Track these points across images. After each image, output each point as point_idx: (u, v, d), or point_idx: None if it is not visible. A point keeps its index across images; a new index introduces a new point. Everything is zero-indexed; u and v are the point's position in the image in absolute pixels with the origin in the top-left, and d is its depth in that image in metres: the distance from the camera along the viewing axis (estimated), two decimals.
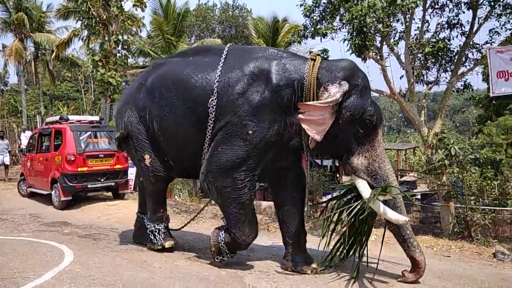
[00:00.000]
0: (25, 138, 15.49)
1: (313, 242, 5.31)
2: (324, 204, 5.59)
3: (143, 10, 14.30)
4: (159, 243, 5.51)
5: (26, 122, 22.87)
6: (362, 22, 7.27)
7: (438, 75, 8.83)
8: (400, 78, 8.95)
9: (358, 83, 4.49)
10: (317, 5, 8.45)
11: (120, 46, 13.96)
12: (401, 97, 8.71)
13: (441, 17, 8.84)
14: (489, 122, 16.06)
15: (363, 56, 8.21)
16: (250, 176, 4.62)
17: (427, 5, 8.66)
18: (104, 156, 9.43)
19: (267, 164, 4.75)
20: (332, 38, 8.56)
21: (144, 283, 4.31)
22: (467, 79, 8.84)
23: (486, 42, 8.44)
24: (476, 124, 20.18)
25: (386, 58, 8.77)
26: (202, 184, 4.90)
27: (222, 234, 4.81)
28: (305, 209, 5.62)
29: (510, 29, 8.21)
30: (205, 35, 25.82)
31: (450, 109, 35.37)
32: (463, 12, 8.63)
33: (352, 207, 4.52)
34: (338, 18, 8.35)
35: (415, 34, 8.78)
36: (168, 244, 5.49)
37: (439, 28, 8.80)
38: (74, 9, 17.58)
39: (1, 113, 26.47)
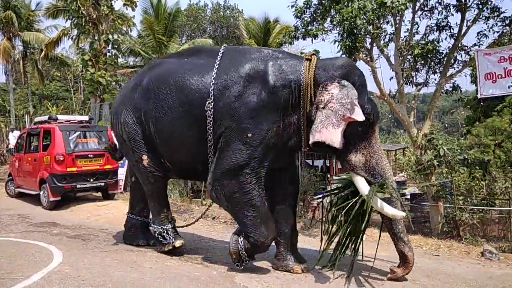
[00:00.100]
0: (13, 138, 15.29)
1: (305, 242, 5.33)
2: (320, 200, 5.61)
3: (133, 10, 14.24)
4: (170, 243, 5.40)
5: (14, 122, 22.60)
6: (352, 23, 7.32)
7: (427, 76, 8.93)
8: (390, 79, 9.04)
9: (355, 81, 4.51)
10: (308, 6, 8.48)
11: (110, 45, 13.88)
12: (391, 98, 8.79)
13: (430, 19, 8.96)
14: (477, 123, 16.29)
15: (353, 57, 8.25)
16: (256, 178, 4.58)
17: (417, 7, 8.76)
18: (93, 156, 9.35)
19: (270, 165, 4.71)
20: (323, 39, 8.60)
21: (134, 284, 4.28)
22: (455, 80, 8.98)
23: (474, 45, 8.56)
24: (465, 125, 20.46)
25: (376, 59, 8.85)
26: (211, 194, 4.84)
27: (241, 241, 4.70)
28: (297, 209, 5.66)
29: (497, 32, 8.35)
30: (196, 35, 25.76)
31: (439, 110, 35.78)
32: (452, 15, 8.75)
33: (351, 203, 4.55)
34: (328, 19, 8.39)
35: (404, 36, 8.88)
36: (178, 243, 5.41)
37: (428, 30, 8.90)
38: (64, 7, 17.44)
39: None
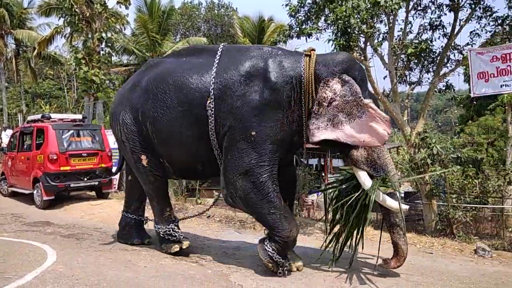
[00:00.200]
0: (6, 137, 15.15)
1: (299, 240, 5.35)
2: (315, 197, 5.65)
3: (127, 8, 14.18)
4: (177, 245, 5.36)
5: (7, 121, 22.39)
6: (346, 23, 7.34)
7: (421, 75, 8.97)
8: (384, 78, 9.06)
9: (355, 76, 4.53)
10: (302, 5, 8.48)
11: (103, 43, 13.81)
12: (385, 97, 8.82)
13: (423, 18, 8.99)
14: (470, 122, 16.43)
15: None
16: (268, 174, 4.55)
17: (410, 7, 8.78)
18: (87, 155, 9.30)
19: (278, 161, 4.69)
20: (317, 39, 8.61)
21: (129, 283, 4.27)
22: (448, 79, 9.03)
23: (467, 44, 8.61)
24: (458, 124, 20.61)
25: (370, 58, 8.88)
26: (226, 199, 4.81)
27: (269, 246, 4.59)
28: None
29: (490, 31, 8.41)
30: (190, 33, 25.71)
31: (432, 109, 35.99)
32: (445, 14, 8.79)
33: (354, 197, 4.57)
34: (323, 18, 8.40)
35: (398, 35, 8.91)
36: (185, 244, 5.39)
37: (421, 30, 8.93)
38: (57, 5, 17.30)
39: None
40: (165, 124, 4.95)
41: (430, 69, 8.86)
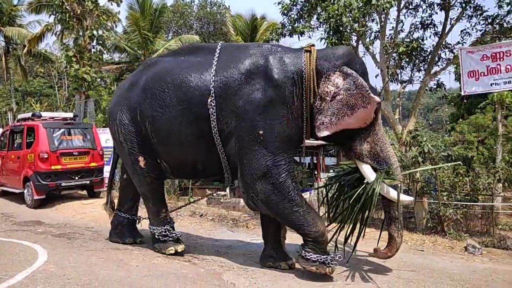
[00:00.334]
0: None
1: (292, 238, 5.36)
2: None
3: (118, 5, 14.10)
4: (171, 247, 5.31)
5: None
6: (338, 21, 7.37)
7: (412, 74, 9.06)
8: (375, 77, 9.12)
9: (356, 69, 4.52)
10: (294, 3, 8.51)
11: (95, 41, 13.73)
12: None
13: (415, 17, 9.07)
14: (461, 120, 16.55)
15: None
16: (286, 172, 4.51)
17: (402, 6, 8.85)
18: (78, 154, 9.23)
19: (293, 157, 4.65)
20: (310, 37, 8.67)
21: (121, 282, 4.25)
22: (439, 78, 9.14)
23: (458, 43, 8.70)
24: (449, 122, 20.77)
25: (362, 57, 8.91)
26: (248, 203, 4.74)
27: (304, 252, 4.50)
28: None
29: (480, 30, 8.50)
30: (182, 31, 25.60)
31: (424, 107, 36.21)
32: (436, 13, 8.87)
33: (358, 190, 4.57)
34: (315, 17, 8.43)
35: (390, 34, 8.97)
36: (180, 248, 5.33)
37: (413, 28, 9.01)
38: (47, 2, 17.13)
39: None
40: (164, 123, 4.89)
41: (421, 68, 8.95)
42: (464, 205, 7.29)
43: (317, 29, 8.53)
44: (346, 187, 4.99)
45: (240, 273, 4.69)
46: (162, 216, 5.42)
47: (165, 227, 5.38)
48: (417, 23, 8.98)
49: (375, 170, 4.55)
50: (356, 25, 7.92)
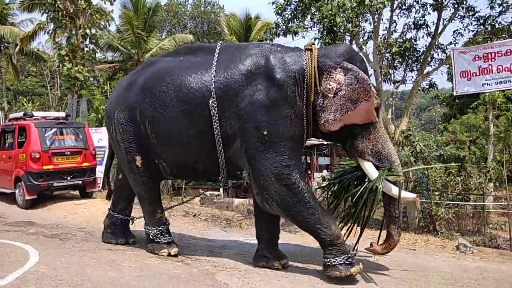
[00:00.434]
0: None
1: (285, 238, 5.37)
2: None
3: (112, 4, 14.05)
4: (165, 249, 5.29)
5: None
6: (332, 21, 7.38)
7: (405, 74, 9.09)
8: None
9: (357, 67, 4.53)
10: (288, 3, 8.50)
11: (88, 40, 13.66)
12: None
13: (408, 17, 9.10)
14: (453, 120, 16.65)
15: None
16: (297, 173, 4.50)
17: (395, 6, 8.88)
18: (70, 154, 9.16)
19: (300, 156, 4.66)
20: (303, 37, 8.65)
21: (113, 283, 4.23)
22: (432, 78, 9.18)
23: (450, 43, 8.75)
24: (441, 122, 20.90)
25: None
26: (263, 204, 4.70)
27: (325, 260, 4.45)
28: None
29: (472, 31, 8.55)
30: (176, 30, 25.52)
31: (416, 107, 36.39)
32: (429, 13, 8.91)
33: (361, 188, 4.59)
34: (309, 17, 8.44)
35: (383, 34, 9.00)
36: (174, 251, 5.30)
37: (406, 29, 9.04)
38: (39, 1, 16.96)
39: None
40: (165, 123, 4.85)
41: (414, 68, 8.99)
42: (455, 205, 7.34)
43: (311, 29, 8.54)
44: (348, 185, 4.99)
45: (233, 273, 4.69)
46: (157, 217, 5.40)
47: (160, 228, 5.36)
48: (410, 23, 9.02)
49: (377, 167, 4.58)
50: (350, 25, 7.94)
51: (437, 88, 9.57)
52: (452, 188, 7.69)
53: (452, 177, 7.83)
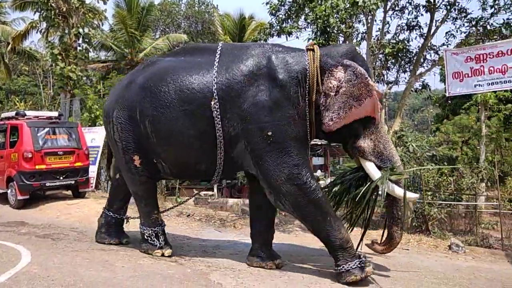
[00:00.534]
0: None
1: (279, 238, 5.38)
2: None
3: (105, 3, 13.95)
4: (159, 250, 5.26)
5: None
6: (325, 22, 7.42)
7: (398, 75, 9.18)
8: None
9: (360, 67, 4.53)
10: (282, 3, 8.53)
11: (80, 39, 13.55)
12: None
13: (401, 19, 9.18)
14: (446, 120, 16.80)
15: None
16: (307, 172, 4.48)
17: (388, 7, 8.95)
18: (63, 153, 9.10)
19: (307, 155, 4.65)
20: (297, 37, 8.69)
21: (106, 283, 4.21)
22: (425, 79, 9.26)
23: (443, 44, 8.83)
24: (434, 123, 21.06)
25: None
26: (276, 203, 4.67)
27: (338, 267, 4.41)
28: None
29: (464, 32, 8.65)
30: (170, 30, 25.43)
31: (409, 108, 36.63)
32: (422, 15, 9.00)
33: (364, 189, 4.58)
34: (303, 17, 8.47)
35: (376, 35, 9.06)
36: (168, 252, 5.27)
37: (399, 30, 9.12)
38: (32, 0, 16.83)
39: None
40: (165, 122, 4.81)
41: (407, 69, 9.06)
42: (448, 205, 7.40)
43: (305, 29, 8.57)
44: (349, 186, 4.97)
45: (227, 273, 4.69)
46: (153, 217, 5.37)
47: (156, 229, 5.34)
48: (403, 24, 9.09)
49: (378, 168, 4.57)
50: (343, 26, 7.98)
51: (429, 89, 9.64)
52: (444, 188, 7.74)
53: (445, 177, 7.89)
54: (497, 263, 5.64)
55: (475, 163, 9.96)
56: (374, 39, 8.91)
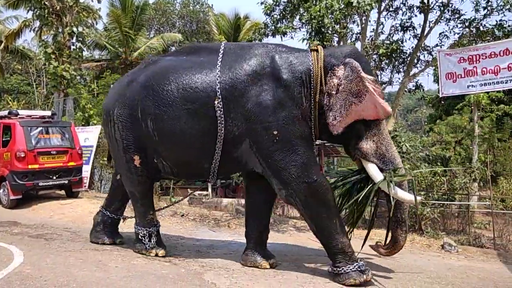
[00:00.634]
0: None
1: (273, 238, 5.39)
2: None
3: (99, 2, 13.89)
4: (153, 250, 5.24)
5: None
6: (320, 22, 7.44)
7: (392, 75, 9.23)
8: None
9: (363, 67, 4.51)
10: (277, 4, 8.54)
11: (74, 38, 13.46)
12: None
13: (395, 19, 9.23)
14: (439, 121, 16.93)
15: None
16: (316, 171, 4.47)
17: (382, 8, 8.99)
18: (56, 153, 9.04)
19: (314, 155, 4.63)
20: (292, 37, 8.71)
21: (99, 283, 4.19)
22: (418, 80, 9.32)
23: (437, 45, 8.90)
24: (427, 123, 21.20)
25: None
26: (288, 199, 4.65)
27: (337, 268, 4.39)
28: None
29: (458, 33, 8.71)
30: (165, 29, 25.37)
31: (403, 108, 36.85)
32: (416, 16, 9.05)
33: (366, 190, 4.57)
34: (297, 17, 8.49)
35: (370, 36, 9.11)
36: (161, 253, 5.25)
37: (393, 31, 9.17)
38: None
39: None
40: (168, 122, 4.77)
41: (401, 69, 9.11)
42: (441, 204, 7.45)
43: (299, 29, 8.59)
44: (351, 188, 4.93)
45: (221, 273, 4.69)
46: (149, 218, 5.34)
47: (150, 229, 5.31)
48: (397, 25, 9.14)
49: (380, 170, 4.55)
50: (338, 26, 8.00)
51: (423, 90, 9.71)
52: (437, 188, 7.80)
53: (438, 177, 7.95)
54: (489, 262, 5.69)
55: (468, 163, 10.05)
56: (368, 39, 8.96)
